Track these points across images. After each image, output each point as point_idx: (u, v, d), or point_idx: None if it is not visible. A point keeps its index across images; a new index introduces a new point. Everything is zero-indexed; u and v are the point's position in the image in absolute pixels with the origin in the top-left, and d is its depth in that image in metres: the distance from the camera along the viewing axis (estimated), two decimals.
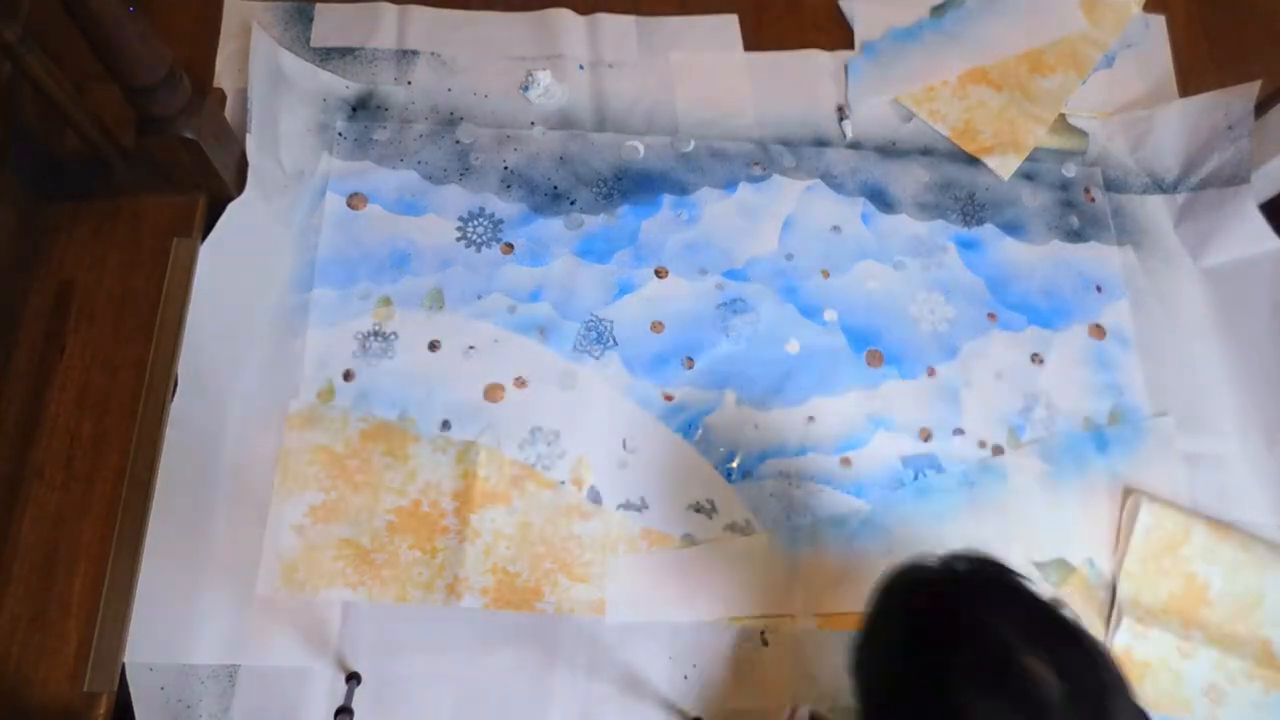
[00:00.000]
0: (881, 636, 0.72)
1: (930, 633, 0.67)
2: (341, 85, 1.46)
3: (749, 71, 1.56)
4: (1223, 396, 1.42)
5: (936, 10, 1.63)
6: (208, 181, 1.27)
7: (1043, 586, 0.67)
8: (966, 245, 1.48)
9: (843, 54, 1.59)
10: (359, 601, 1.18)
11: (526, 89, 1.49)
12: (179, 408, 1.18)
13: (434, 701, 1.15)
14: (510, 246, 1.40)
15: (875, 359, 1.39)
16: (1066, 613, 0.68)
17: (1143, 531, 1.28)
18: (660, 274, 1.41)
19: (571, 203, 1.44)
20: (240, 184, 1.30)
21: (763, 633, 1.22)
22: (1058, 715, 0.60)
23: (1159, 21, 1.67)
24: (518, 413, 1.30)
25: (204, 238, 1.25)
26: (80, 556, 1.10)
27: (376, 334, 1.32)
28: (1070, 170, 1.55)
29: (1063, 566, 1.29)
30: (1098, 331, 1.45)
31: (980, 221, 1.50)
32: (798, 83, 1.56)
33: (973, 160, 1.54)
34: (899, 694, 0.67)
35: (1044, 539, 1.30)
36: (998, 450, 1.35)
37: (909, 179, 1.51)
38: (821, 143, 1.53)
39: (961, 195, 1.51)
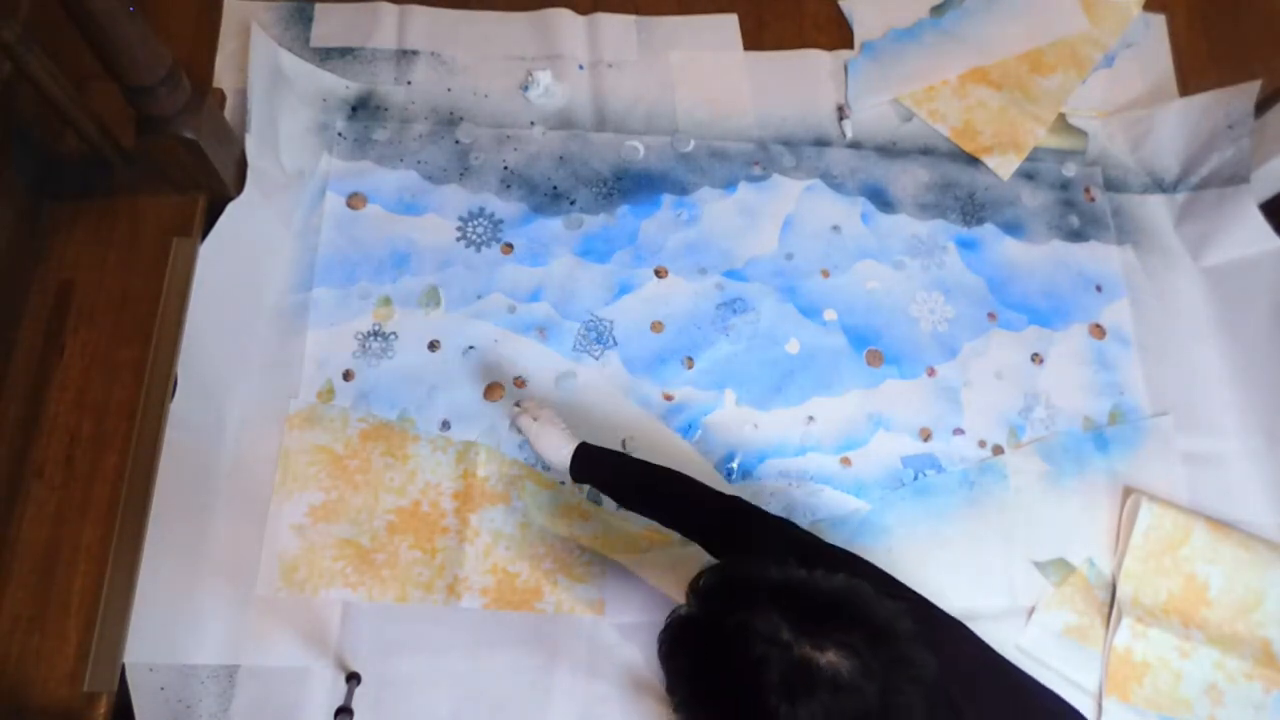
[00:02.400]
0: (681, 702, 0.70)
1: (733, 670, 0.66)
2: (341, 85, 1.46)
3: (749, 71, 1.56)
4: (1223, 396, 1.42)
5: (936, 10, 1.63)
6: (208, 181, 1.27)
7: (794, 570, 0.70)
8: (966, 245, 1.48)
9: (843, 54, 1.59)
10: (359, 601, 1.18)
11: (526, 89, 1.49)
12: (179, 408, 1.18)
13: (433, 701, 1.15)
14: (510, 246, 1.40)
15: (875, 359, 1.39)
16: (835, 583, 0.68)
17: (1143, 531, 1.28)
18: (660, 274, 1.41)
19: (571, 203, 1.44)
20: (240, 184, 1.30)
21: None
22: (860, 684, 0.62)
23: (1159, 21, 1.67)
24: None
25: (204, 238, 1.25)
26: (80, 556, 1.10)
27: (376, 334, 1.32)
28: (1070, 170, 1.55)
29: (1063, 566, 1.29)
30: (1098, 331, 1.45)
31: (980, 221, 1.50)
32: (798, 83, 1.56)
33: (973, 160, 1.54)
34: None
35: (1044, 538, 1.30)
36: (998, 450, 1.35)
37: (909, 179, 1.51)
38: (821, 143, 1.53)
39: (961, 195, 1.51)
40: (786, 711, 0.61)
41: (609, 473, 1.05)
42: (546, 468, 1.26)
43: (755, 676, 0.63)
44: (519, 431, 1.12)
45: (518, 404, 1.12)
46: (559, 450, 1.05)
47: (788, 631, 0.64)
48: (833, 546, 0.89)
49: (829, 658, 0.63)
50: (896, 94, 1.56)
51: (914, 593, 0.84)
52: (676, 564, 1.23)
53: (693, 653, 0.70)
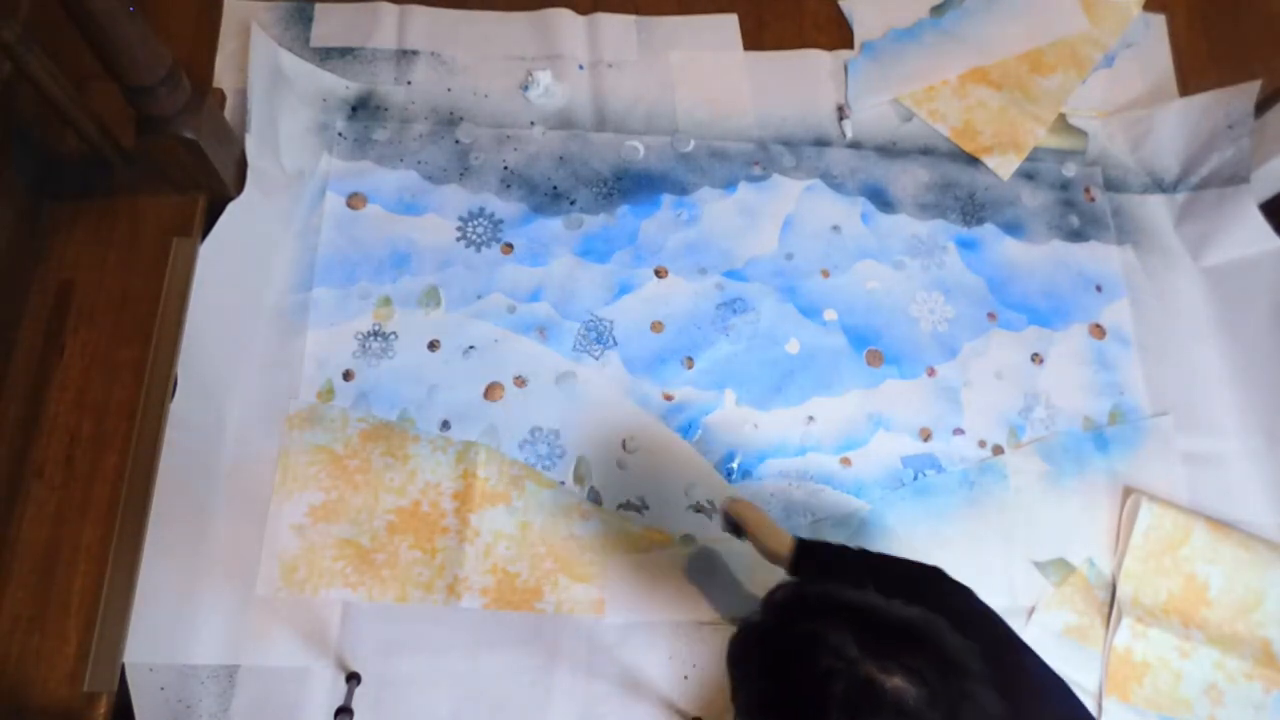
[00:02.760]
0: (755, 694, 0.71)
1: (798, 681, 0.66)
2: (341, 85, 1.46)
3: (749, 71, 1.56)
4: (1223, 396, 1.42)
5: (936, 10, 1.63)
6: (208, 181, 1.27)
7: (872, 596, 0.71)
8: (966, 245, 1.48)
9: (843, 54, 1.59)
10: (359, 601, 1.18)
11: (526, 89, 1.49)
12: (179, 408, 1.18)
13: (433, 701, 1.15)
14: (510, 246, 1.40)
15: (875, 359, 1.39)
16: (910, 612, 0.69)
17: (1142, 531, 1.28)
18: (660, 274, 1.41)
19: (571, 203, 1.44)
20: (240, 184, 1.30)
21: None
22: (925, 713, 0.62)
23: (1159, 21, 1.67)
24: (518, 412, 1.30)
25: (204, 238, 1.25)
26: (80, 556, 1.10)
27: (376, 334, 1.32)
28: (1070, 170, 1.55)
29: (1063, 566, 1.29)
30: (1098, 331, 1.45)
31: (980, 221, 1.50)
32: (798, 83, 1.56)
33: (973, 160, 1.54)
34: None
35: (1044, 538, 1.30)
36: (998, 450, 1.35)
37: (909, 179, 1.51)
38: (821, 143, 1.53)
39: (961, 195, 1.51)
40: None
41: (829, 563, 1.02)
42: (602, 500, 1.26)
43: (820, 689, 0.63)
44: (735, 522, 1.09)
45: (734, 499, 1.09)
46: (782, 541, 1.03)
47: (855, 649, 0.64)
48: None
49: (895, 681, 0.62)
50: (896, 94, 1.56)
51: (1004, 631, 0.82)
52: (677, 564, 1.24)
53: (760, 659, 0.71)
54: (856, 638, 0.65)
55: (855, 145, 1.53)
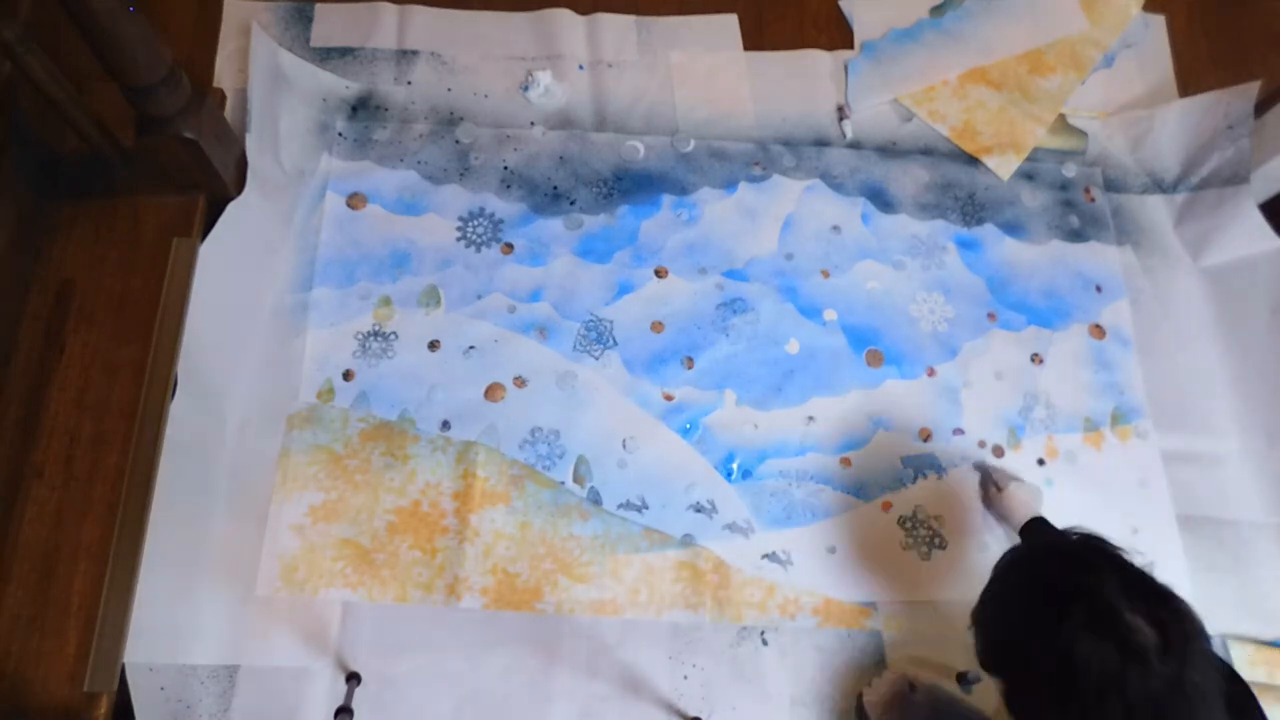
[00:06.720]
0: (1007, 594, 0.84)
1: (1051, 591, 0.78)
2: (341, 85, 1.46)
3: (749, 71, 1.56)
4: (1223, 396, 1.42)
5: (936, 10, 1.63)
6: (208, 181, 1.27)
7: (1136, 558, 0.82)
8: (966, 245, 1.48)
9: (843, 54, 1.59)
10: (359, 601, 1.18)
11: (526, 89, 1.49)
12: (179, 408, 1.18)
13: (434, 701, 1.15)
14: (510, 246, 1.40)
15: (875, 359, 1.39)
16: (1158, 578, 0.79)
17: None
18: (660, 274, 1.41)
19: (571, 203, 1.44)
20: (240, 184, 1.30)
21: (763, 633, 1.22)
22: (1152, 659, 0.71)
23: (1159, 21, 1.67)
24: (518, 413, 1.30)
25: (204, 238, 1.25)
26: (80, 556, 1.10)
27: (376, 334, 1.32)
28: (1070, 170, 1.55)
29: None
30: (1098, 331, 1.45)
31: (980, 221, 1.50)
32: (798, 83, 1.56)
33: (973, 160, 1.54)
34: (1019, 639, 0.79)
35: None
36: (998, 451, 1.35)
37: (909, 179, 1.51)
38: (821, 143, 1.53)
39: (961, 195, 1.51)
40: (1079, 640, 0.72)
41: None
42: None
43: (1065, 602, 0.75)
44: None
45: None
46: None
47: (1112, 586, 0.74)
48: None
49: (1136, 620, 0.72)
50: (896, 94, 1.56)
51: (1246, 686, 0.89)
52: (677, 564, 1.24)
53: (1028, 571, 0.85)
54: (1118, 578, 0.76)
55: (855, 145, 1.53)
